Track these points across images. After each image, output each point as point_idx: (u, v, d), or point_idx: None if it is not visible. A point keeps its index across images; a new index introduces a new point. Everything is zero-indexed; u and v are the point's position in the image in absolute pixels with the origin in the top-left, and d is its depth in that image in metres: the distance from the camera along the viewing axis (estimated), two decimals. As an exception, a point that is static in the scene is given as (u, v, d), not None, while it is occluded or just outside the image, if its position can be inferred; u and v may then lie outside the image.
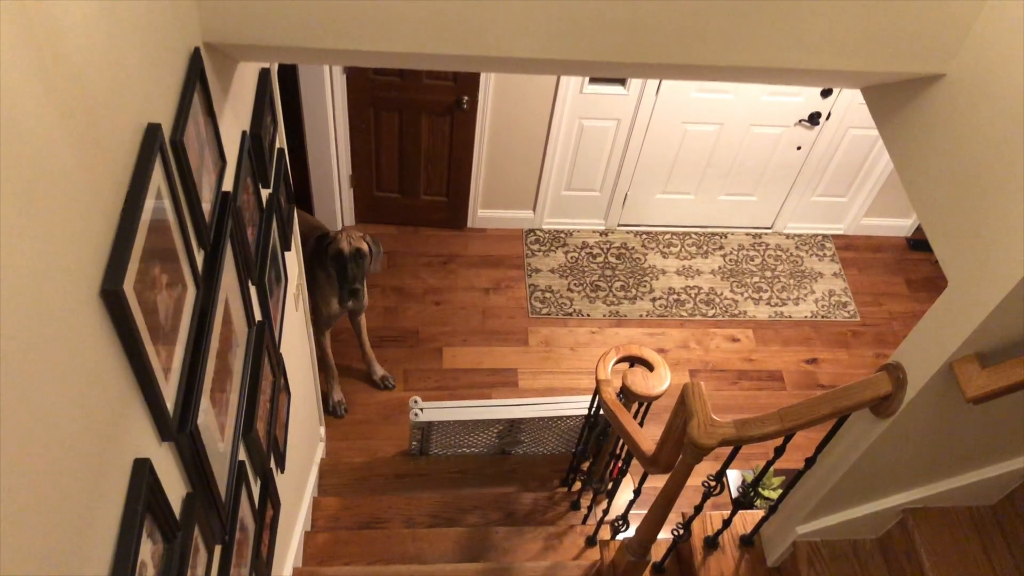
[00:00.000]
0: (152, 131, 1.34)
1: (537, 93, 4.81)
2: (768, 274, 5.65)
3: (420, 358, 4.89)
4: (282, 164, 2.59)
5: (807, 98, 5.09)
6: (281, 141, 2.60)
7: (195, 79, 1.58)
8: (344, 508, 3.96)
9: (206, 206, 1.66)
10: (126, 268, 1.18)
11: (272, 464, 2.51)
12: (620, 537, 3.29)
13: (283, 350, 2.69)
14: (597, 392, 3.39)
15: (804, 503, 2.66)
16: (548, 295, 5.31)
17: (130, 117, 1.28)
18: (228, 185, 1.90)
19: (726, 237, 5.83)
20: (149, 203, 1.29)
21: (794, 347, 5.27)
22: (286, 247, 2.70)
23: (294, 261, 3.04)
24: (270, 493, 2.40)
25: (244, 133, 2.09)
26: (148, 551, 1.30)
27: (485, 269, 5.39)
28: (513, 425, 4.09)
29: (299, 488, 3.46)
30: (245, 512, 2.05)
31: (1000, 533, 2.55)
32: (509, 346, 5.01)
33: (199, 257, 1.62)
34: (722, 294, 5.49)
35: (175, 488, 1.52)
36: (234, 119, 2.00)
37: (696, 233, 5.83)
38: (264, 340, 2.15)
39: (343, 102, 4.73)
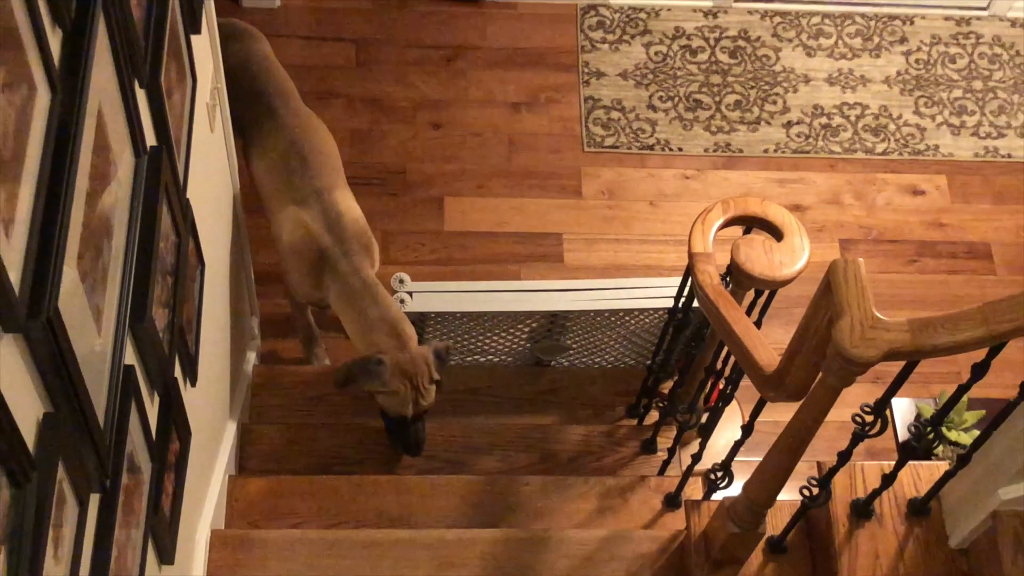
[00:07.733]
0: None
1: None
2: (978, 85, 4.33)
3: (408, 212, 3.82)
4: None
5: None
6: None
7: None
8: (289, 442, 3.25)
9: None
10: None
11: (178, 372, 2.18)
12: (718, 497, 2.81)
13: (192, 195, 2.20)
14: (690, 272, 2.81)
15: (1014, 453, 2.32)
16: (616, 115, 4.06)
17: None
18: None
19: (912, 23, 4.44)
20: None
21: (1012, 205, 4.12)
22: (194, 28, 2.18)
23: (207, 48, 2.45)
24: (175, 417, 2.10)
25: None
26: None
27: (514, 71, 4.13)
28: (555, 321, 3.42)
29: (220, 410, 2.89)
30: (136, 444, 1.72)
31: None
32: (550, 197, 3.89)
33: (55, 41, 1.28)
34: (901, 118, 4.20)
35: (27, 406, 1.26)
36: None
37: (863, 16, 4.44)
38: (161, 177, 1.75)
39: None
